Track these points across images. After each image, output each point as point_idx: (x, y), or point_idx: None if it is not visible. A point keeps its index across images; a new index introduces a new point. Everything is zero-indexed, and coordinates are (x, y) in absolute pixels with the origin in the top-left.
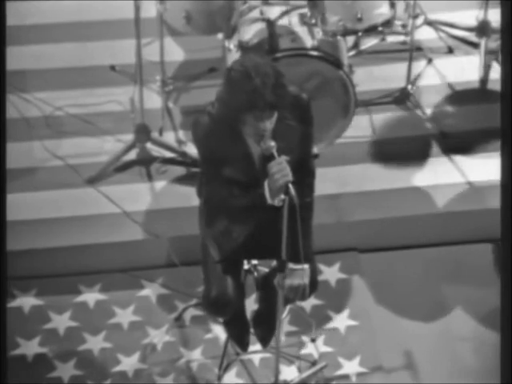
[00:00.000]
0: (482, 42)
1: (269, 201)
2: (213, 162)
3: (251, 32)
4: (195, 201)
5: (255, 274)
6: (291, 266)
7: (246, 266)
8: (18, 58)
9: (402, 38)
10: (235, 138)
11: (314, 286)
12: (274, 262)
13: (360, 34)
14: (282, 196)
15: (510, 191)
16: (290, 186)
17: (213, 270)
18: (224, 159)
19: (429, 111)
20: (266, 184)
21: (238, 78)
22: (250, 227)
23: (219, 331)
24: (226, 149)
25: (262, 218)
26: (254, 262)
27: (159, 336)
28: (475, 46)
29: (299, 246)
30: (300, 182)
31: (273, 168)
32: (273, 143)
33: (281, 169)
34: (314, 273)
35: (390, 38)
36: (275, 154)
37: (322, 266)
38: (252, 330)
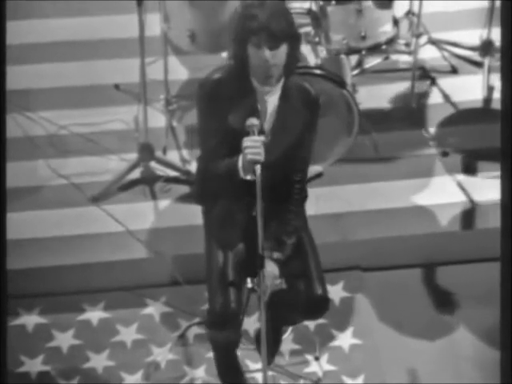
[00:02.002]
0: (486, 61)
1: (240, 173)
2: (218, 115)
3: None
4: (199, 219)
5: (258, 291)
6: (276, 255)
7: (249, 285)
8: (22, 76)
9: (405, 57)
10: (245, 91)
11: (325, 305)
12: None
13: (363, 52)
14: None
15: (510, 211)
16: (258, 166)
17: (217, 282)
18: (230, 111)
19: (432, 130)
20: (240, 156)
21: (242, 11)
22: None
23: None
24: (234, 101)
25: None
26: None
27: (163, 354)
28: (479, 65)
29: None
30: (291, 167)
31: (246, 142)
32: (256, 122)
33: (253, 146)
34: (325, 291)
35: (394, 57)
36: (255, 132)
37: None
38: (255, 348)
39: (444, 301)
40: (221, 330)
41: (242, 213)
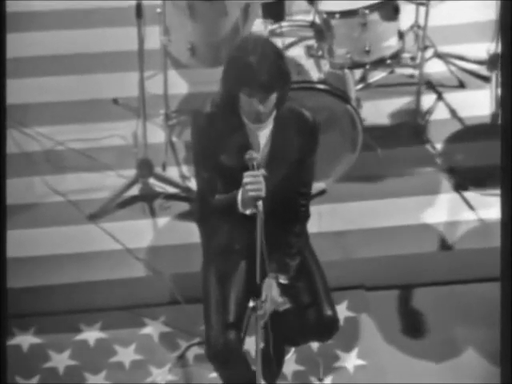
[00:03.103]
0: (494, 75)
1: (240, 208)
2: (210, 151)
3: None
4: (199, 237)
5: (261, 312)
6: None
7: (251, 304)
8: (18, 91)
9: (410, 71)
10: (235, 126)
11: (335, 326)
12: (281, 299)
13: (368, 66)
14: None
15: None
16: (260, 203)
17: (215, 313)
18: (222, 147)
19: (439, 146)
20: (239, 191)
21: (235, 55)
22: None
23: None
24: (225, 137)
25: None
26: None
27: (162, 375)
28: (486, 79)
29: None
30: (294, 191)
31: (247, 178)
32: (255, 155)
33: (254, 181)
34: (334, 312)
35: (399, 71)
36: (255, 166)
37: None
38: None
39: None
40: (223, 366)
41: (243, 241)
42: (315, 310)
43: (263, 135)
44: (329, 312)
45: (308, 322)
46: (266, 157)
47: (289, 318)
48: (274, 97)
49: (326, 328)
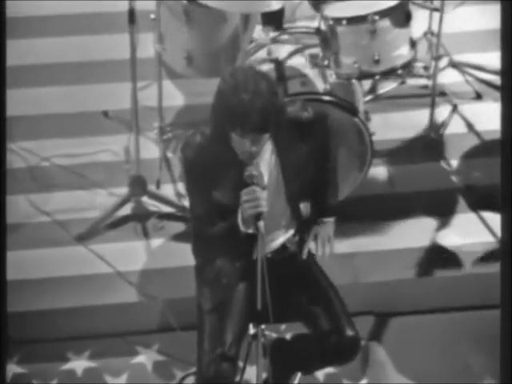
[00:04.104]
0: None
1: (241, 228)
2: (203, 185)
3: None
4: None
5: (262, 340)
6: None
7: (251, 331)
8: None
9: (423, 81)
10: (229, 160)
11: (357, 347)
12: (283, 326)
13: (377, 77)
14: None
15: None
16: (261, 222)
17: (209, 340)
18: (215, 183)
19: (454, 163)
20: (239, 211)
21: (225, 91)
22: (242, 271)
23: None
24: (217, 172)
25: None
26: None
27: None
28: None
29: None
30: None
31: (243, 196)
32: (255, 172)
33: (252, 198)
34: (356, 331)
35: (411, 82)
36: (255, 184)
37: None
38: None
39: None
40: None
41: (242, 261)
42: (336, 334)
43: (264, 161)
44: (350, 332)
45: (329, 346)
46: (276, 179)
47: (306, 345)
48: (266, 136)
49: (348, 350)
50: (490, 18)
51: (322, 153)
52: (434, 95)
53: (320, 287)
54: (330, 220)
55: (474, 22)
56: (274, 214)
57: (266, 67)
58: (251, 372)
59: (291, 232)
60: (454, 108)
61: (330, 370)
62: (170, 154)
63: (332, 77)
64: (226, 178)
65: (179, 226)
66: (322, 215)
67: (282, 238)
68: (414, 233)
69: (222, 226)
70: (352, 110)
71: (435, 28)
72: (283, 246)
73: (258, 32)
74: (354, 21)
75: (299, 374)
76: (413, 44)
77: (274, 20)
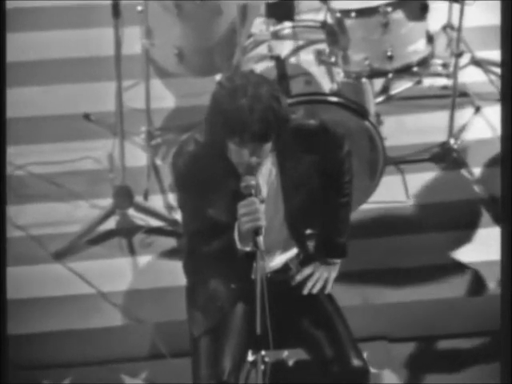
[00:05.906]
0: None
1: (238, 245)
2: (196, 199)
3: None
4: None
5: (262, 367)
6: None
7: (250, 358)
8: None
9: (442, 80)
10: (224, 173)
11: (366, 379)
12: (286, 353)
13: (390, 75)
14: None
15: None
16: (261, 238)
17: (205, 368)
18: (210, 198)
19: (477, 171)
20: (236, 225)
21: (222, 95)
22: (239, 292)
23: None
24: (212, 185)
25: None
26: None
27: None
28: None
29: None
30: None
31: (241, 209)
32: (253, 182)
33: (250, 211)
34: (364, 361)
35: (428, 81)
36: (253, 194)
37: None
38: None
39: None
40: None
41: (240, 281)
42: (341, 362)
43: (264, 173)
44: (357, 362)
45: (332, 376)
46: (275, 192)
47: (308, 373)
48: (268, 146)
49: (355, 381)
50: None
51: (332, 175)
52: (454, 96)
53: (324, 311)
54: (337, 262)
55: (498, 16)
56: (272, 231)
57: (266, 65)
58: None
59: (293, 251)
60: (477, 110)
61: None
62: (158, 162)
63: (340, 75)
64: (221, 191)
65: (169, 242)
66: (328, 254)
67: (282, 257)
68: (431, 249)
69: (217, 244)
70: (362, 113)
71: (455, 21)
72: (285, 266)
73: (257, 26)
74: (363, 13)
75: None
76: (430, 39)
77: (281, 12)
